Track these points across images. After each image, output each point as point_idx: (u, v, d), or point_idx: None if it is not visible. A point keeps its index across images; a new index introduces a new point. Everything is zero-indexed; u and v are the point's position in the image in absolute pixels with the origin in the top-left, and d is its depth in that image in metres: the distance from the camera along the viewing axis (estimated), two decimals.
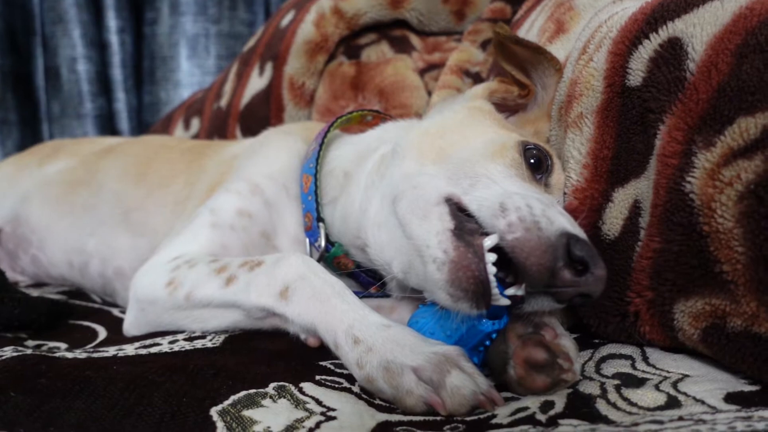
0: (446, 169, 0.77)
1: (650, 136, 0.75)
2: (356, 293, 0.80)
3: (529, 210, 0.67)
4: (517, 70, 0.95)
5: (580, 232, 0.68)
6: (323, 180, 1.00)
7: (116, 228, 1.27)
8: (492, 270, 0.65)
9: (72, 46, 2.57)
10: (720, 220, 0.63)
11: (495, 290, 0.65)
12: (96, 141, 1.65)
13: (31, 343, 0.93)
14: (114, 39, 2.60)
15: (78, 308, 1.17)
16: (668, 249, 0.69)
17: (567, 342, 0.69)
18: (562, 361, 0.66)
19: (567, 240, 0.64)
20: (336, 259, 0.96)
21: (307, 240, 0.98)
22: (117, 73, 2.62)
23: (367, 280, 0.96)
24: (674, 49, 0.72)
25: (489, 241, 0.66)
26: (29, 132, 2.64)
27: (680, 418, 0.54)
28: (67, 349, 0.89)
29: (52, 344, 0.93)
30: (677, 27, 0.72)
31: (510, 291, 0.67)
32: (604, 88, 0.81)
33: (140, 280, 0.95)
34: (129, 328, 0.96)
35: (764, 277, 0.59)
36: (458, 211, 0.71)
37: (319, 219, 0.96)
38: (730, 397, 0.61)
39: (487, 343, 0.70)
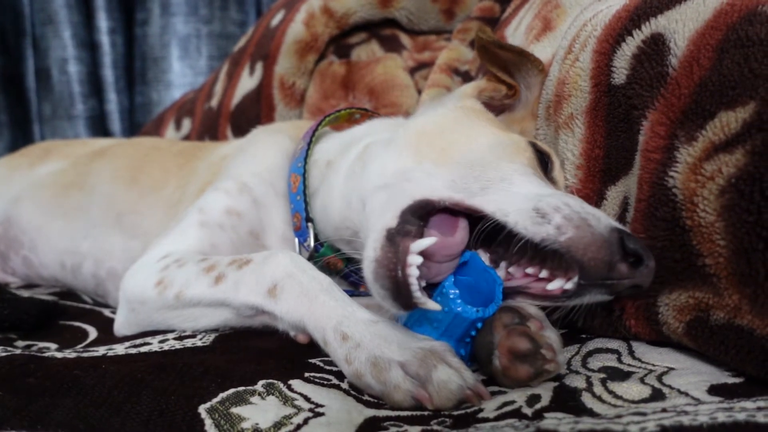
0: (450, 171, 0.76)
1: (635, 132, 0.76)
2: (346, 292, 0.81)
3: (570, 208, 0.68)
4: (502, 72, 0.96)
5: (623, 227, 0.70)
6: (308, 172, 1.00)
7: (109, 230, 1.27)
8: (414, 273, 0.67)
9: (63, 47, 2.56)
10: (702, 214, 0.64)
11: (417, 293, 0.67)
12: (87, 143, 1.65)
13: (21, 343, 0.93)
14: (105, 40, 2.59)
15: (69, 309, 1.17)
16: (652, 244, 0.70)
17: (551, 333, 0.70)
18: (545, 351, 0.67)
19: (619, 234, 0.66)
20: (325, 259, 0.96)
21: (297, 240, 0.98)
22: (108, 74, 2.62)
23: (356, 279, 0.97)
24: (657, 44, 0.72)
25: (417, 246, 0.68)
26: (20, 133, 2.63)
27: (663, 410, 0.55)
28: (57, 350, 0.89)
29: (42, 344, 0.93)
30: (660, 23, 0.73)
31: (555, 285, 0.69)
32: (591, 87, 0.82)
33: (130, 280, 0.95)
34: (120, 328, 0.96)
35: (746, 269, 0.60)
36: (465, 213, 0.72)
37: (308, 219, 0.97)
38: (714, 389, 0.61)
39: (473, 333, 0.71)
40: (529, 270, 0.72)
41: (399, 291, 0.67)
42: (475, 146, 0.81)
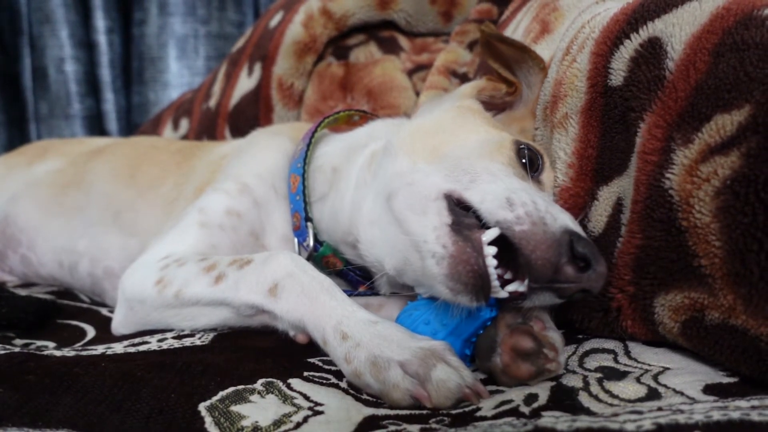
0: (442, 167, 0.78)
1: (631, 134, 0.76)
2: (345, 292, 0.81)
3: (534, 206, 0.68)
4: (503, 69, 0.97)
5: (581, 230, 0.70)
6: (311, 177, 1.00)
7: (107, 229, 1.27)
8: (492, 263, 0.66)
9: (60, 46, 2.56)
10: (698, 215, 0.65)
11: (495, 283, 0.66)
12: (85, 142, 1.65)
13: (18, 342, 0.93)
14: (102, 39, 2.59)
15: (66, 308, 1.17)
16: (649, 244, 0.71)
17: (554, 334, 0.71)
18: (547, 350, 0.67)
19: (570, 237, 0.66)
20: (324, 258, 0.97)
21: (296, 240, 0.99)
22: (105, 73, 2.61)
23: (355, 279, 0.97)
24: (654, 48, 0.73)
25: (487, 236, 0.67)
26: (17, 132, 2.63)
27: (659, 409, 0.55)
28: (55, 348, 0.89)
29: (40, 343, 0.93)
30: (657, 27, 0.74)
31: (511, 287, 0.68)
32: (588, 88, 0.83)
33: (129, 279, 0.95)
34: (118, 326, 0.97)
35: (740, 270, 0.61)
36: (458, 206, 0.72)
37: (308, 219, 0.97)
38: (709, 389, 0.62)
39: (481, 332, 0.71)
40: (498, 271, 0.72)
41: (482, 284, 0.66)
42: (464, 142, 0.82)
